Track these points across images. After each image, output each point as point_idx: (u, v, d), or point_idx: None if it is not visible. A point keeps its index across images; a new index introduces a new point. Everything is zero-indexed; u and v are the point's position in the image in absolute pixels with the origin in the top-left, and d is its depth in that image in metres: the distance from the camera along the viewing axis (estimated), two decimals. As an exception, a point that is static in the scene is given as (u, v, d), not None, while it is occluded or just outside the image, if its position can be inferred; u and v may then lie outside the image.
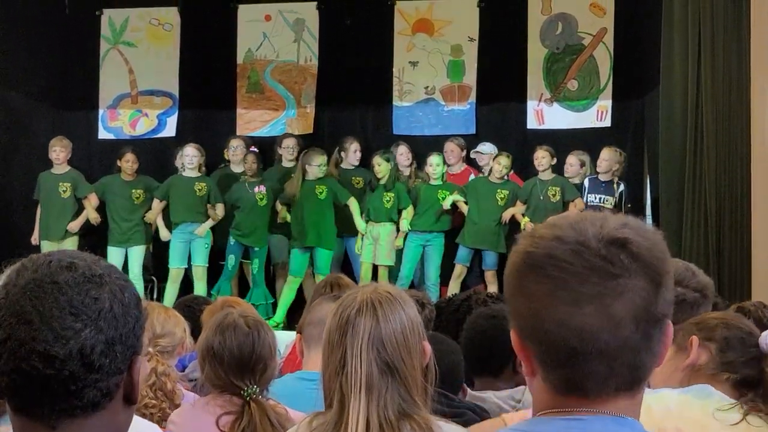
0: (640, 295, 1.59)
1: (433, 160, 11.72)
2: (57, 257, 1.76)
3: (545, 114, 12.77)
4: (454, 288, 11.24)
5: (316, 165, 11.66)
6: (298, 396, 3.75)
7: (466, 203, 11.63)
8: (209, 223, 11.95)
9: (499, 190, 11.60)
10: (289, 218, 11.86)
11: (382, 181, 11.74)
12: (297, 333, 4.12)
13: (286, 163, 12.38)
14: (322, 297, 3.96)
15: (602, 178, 11.44)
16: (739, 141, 10.05)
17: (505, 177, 11.70)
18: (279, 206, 11.93)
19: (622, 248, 1.60)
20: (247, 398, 3.57)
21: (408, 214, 11.66)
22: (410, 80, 13.11)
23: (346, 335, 2.75)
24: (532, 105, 12.79)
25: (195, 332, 4.94)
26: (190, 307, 6.03)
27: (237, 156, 12.36)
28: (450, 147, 12.18)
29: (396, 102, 13.11)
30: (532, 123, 12.78)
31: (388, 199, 11.74)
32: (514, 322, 1.67)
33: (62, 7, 13.36)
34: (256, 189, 11.87)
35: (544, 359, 1.64)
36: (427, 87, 13.08)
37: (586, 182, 11.49)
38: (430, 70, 13.07)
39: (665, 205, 10.69)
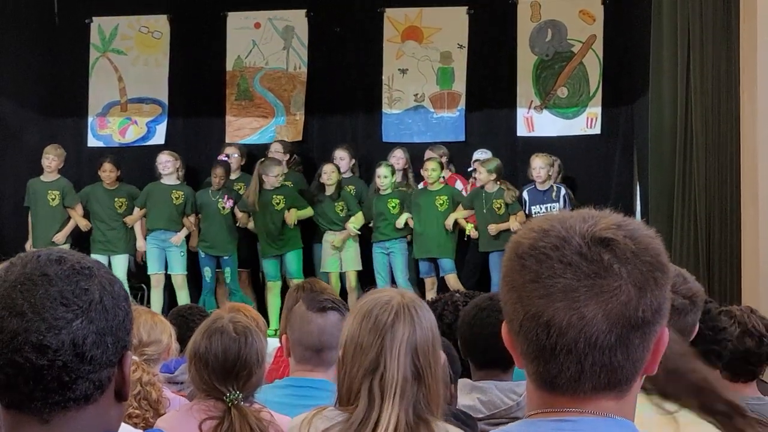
0: (618, 298, 1.56)
1: (381, 171, 11.76)
2: (45, 252, 1.78)
3: (535, 121, 12.78)
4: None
5: (273, 175, 11.73)
6: (286, 403, 3.74)
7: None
8: (184, 231, 12.04)
9: (437, 197, 11.63)
10: (249, 225, 11.98)
11: (329, 191, 11.91)
12: (281, 335, 4.13)
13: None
14: (302, 298, 3.96)
15: (540, 187, 11.46)
16: (728, 147, 10.06)
17: (441, 182, 11.73)
18: (239, 213, 12.00)
19: (606, 248, 1.58)
20: (229, 404, 3.57)
21: (356, 218, 11.81)
22: (400, 87, 13.10)
23: (384, 338, 2.81)
24: (521, 112, 12.80)
25: (188, 342, 4.93)
26: (183, 316, 6.03)
27: (232, 163, 12.39)
28: (430, 155, 12.17)
29: (385, 109, 13.11)
30: (521, 130, 12.78)
31: (340, 208, 11.91)
32: (503, 311, 1.67)
33: (51, 15, 13.36)
34: (223, 200, 11.89)
35: (522, 351, 1.63)
36: (417, 94, 13.08)
37: (526, 194, 11.50)
38: (419, 78, 13.06)
39: (655, 211, 10.70)
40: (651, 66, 10.71)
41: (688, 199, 10.28)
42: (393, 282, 11.66)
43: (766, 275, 9.54)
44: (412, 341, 2.79)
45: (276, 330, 11.10)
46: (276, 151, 12.44)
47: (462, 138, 12.85)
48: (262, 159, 12.11)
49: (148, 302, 11.94)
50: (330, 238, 11.94)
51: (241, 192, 12.12)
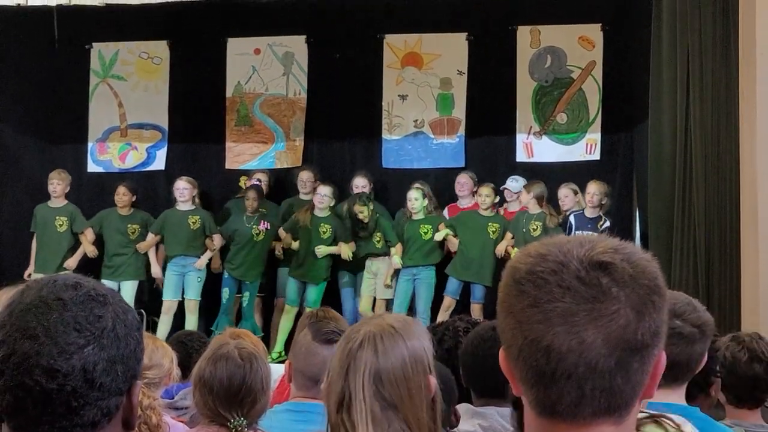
0: (617, 321, 1.56)
1: (412, 194, 11.76)
2: (62, 277, 1.80)
3: (534, 147, 12.80)
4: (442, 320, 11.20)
5: (321, 194, 11.83)
6: (285, 428, 3.72)
7: (455, 236, 11.65)
8: (207, 254, 11.97)
9: (489, 224, 11.63)
10: (294, 246, 11.90)
11: (370, 224, 11.82)
12: (287, 360, 4.11)
13: (303, 196, 12.48)
14: (308, 326, 3.93)
15: (589, 213, 11.41)
16: (727, 174, 10.08)
17: (495, 208, 11.76)
18: (283, 233, 11.97)
19: (604, 272, 1.58)
20: (233, 430, 3.55)
21: (397, 250, 11.72)
22: (399, 113, 13.12)
23: (348, 369, 2.72)
24: (521, 138, 12.81)
25: (188, 368, 4.92)
26: (182, 342, 6.03)
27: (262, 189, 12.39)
28: (463, 179, 12.18)
29: (385, 135, 13.12)
30: (521, 156, 12.80)
31: (377, 239, 11.86)
32: (501, 337, 1.66)
33: (52, 40, 13.37)
34: (261, 226, 11.88)
35: (521, 377, 1.62)
36: (417, 120, 13.10)
37: (572, 219, 11.43)
38: (419, 104, 13.08)
39: (654, 238, 10.71)
40: (650, 92, 10.73)
41: (688, 225, 10.29)
42: (410, 309, 11.62)
43: (766, 302, 9.53)
44: (374, 370, 2.68)
45: (280, 353, 11.13)
46: (301, 180, 12.51)
47: (462, 164, 12.85)
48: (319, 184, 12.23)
49: (149, 328, 11.91)
50: (374, 267, 11.91)
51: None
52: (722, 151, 10.11)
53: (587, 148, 12.66)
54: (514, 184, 12.09)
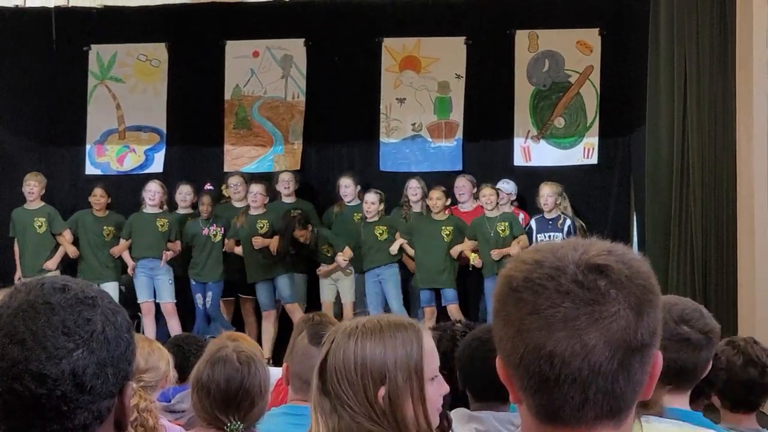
0: (617, 323, 1.57)
1: (370, 198, 11.80)
2: (50, 280, 1.78)
3: (532, 151, 12.79)
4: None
5: (254, 192, 11.88)
6: (284, 431, 3.72)
7: (411, 245, 11.71)
8: (169, 254, 11.99)
9: (443, 227, 11.63)
10: (237, 251, 11.98)
11: (311, 244, 12.00)
12: (284, 363, 4.12)
13: (285, 199, 12.46)
14: (306, 329, 3.93)
15: (548, 216, 11.43)
16: (724, 179, 10.10)
17: (446, 212, 11.78)
18: (226, 241, 12.04)
19: (601, 275, 1.58)
20: None
21: (344, 253, 11.83)
22: (397, 117, 13.11)
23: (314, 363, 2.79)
24: (518, 142, 12.80)
25: (185, 371, 4.92)
26: (179, 346, 6.03)
27: (239, 193, 12.36)
28: (461, 182, 12.13)
29: (383, 138, 13.11)
30: (518, 160, 12.79)
31: (326, 249, 12.05)
32: (497, 346, 1.66)
33: (50, 42, 13.37)
34: (212, 228, 11.95)
35: (522, 385, 1.62)
36: (414, 123, 13.09)
37: (533, 223, 11.48)
38: (417, 107, 13.08)
39: (651, 242, 10.73)
40: (648, 97, 10.75)
41: (685, 230, 10.31)
42: (386, 309, 11.66)
43: (762, 306, 9.55)
44: (320, 363, 2.70)
45: (269, 359, 11.12)
46: (283, 180, 12.50)
47: (459, 167, 12.83)
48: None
49: (142, 331, 11.92)
50: (334, 275, 12.04)
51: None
52: (719, 156, 10.13)
53: (585, 152, 12.65)
54: (507, 186, 12.11)
